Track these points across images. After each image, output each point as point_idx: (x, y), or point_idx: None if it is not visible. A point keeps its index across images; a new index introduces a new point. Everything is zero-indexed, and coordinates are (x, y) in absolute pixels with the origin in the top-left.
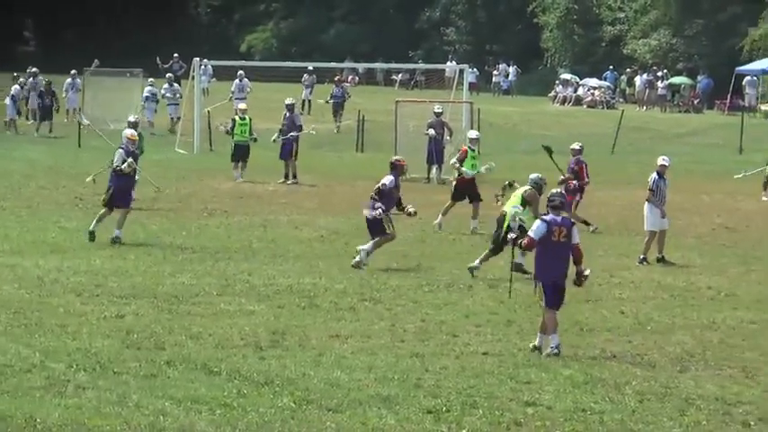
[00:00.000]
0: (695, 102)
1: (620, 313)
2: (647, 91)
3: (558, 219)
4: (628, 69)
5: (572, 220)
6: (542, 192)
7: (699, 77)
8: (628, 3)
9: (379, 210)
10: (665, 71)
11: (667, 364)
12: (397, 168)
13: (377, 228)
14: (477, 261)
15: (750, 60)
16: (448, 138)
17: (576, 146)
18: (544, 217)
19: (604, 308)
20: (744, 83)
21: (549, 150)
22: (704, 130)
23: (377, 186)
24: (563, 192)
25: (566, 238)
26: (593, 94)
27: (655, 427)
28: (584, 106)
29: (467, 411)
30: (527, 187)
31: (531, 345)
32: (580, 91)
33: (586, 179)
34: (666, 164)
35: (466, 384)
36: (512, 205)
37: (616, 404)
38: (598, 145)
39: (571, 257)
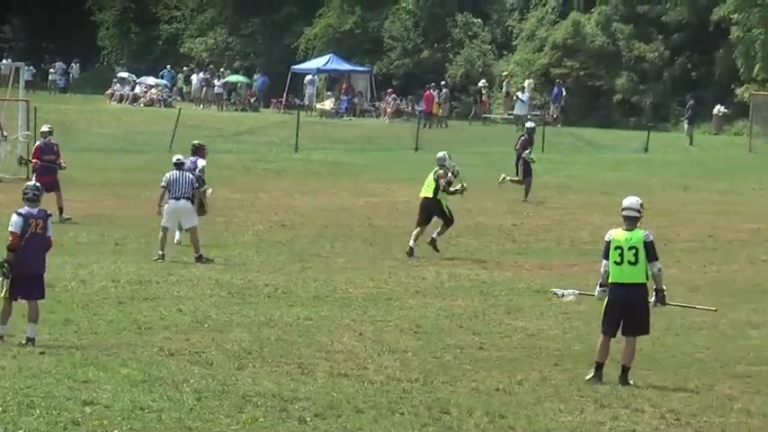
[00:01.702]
0: (252, 100)
1: (177, 311)
2: (204, 89)
3: (35, 211)
4: (185, 68)
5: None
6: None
7: (255, 76)
8: (184, 1)
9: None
10: (222, 70)
11: (225, 362)
12: (202, 150)
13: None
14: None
15: (306, 59)
16: (2, 138)
17: (45, 128)
18: (20, 210)
19: (162, 306)
20: (305, 81)
21: (24, 162)
22: (261, 129)
23: (201, 168)
24: (37, 185)
25: (42, 229)
26: (150, 92)
27: (212, 424)
28: (142, 104)
29: (24, 411)
30: (436, 168)
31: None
32: (137, 89)
33: (60, 160)
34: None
35: (23, 384)
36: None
37: (174, 402)
38: (156, 143)
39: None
